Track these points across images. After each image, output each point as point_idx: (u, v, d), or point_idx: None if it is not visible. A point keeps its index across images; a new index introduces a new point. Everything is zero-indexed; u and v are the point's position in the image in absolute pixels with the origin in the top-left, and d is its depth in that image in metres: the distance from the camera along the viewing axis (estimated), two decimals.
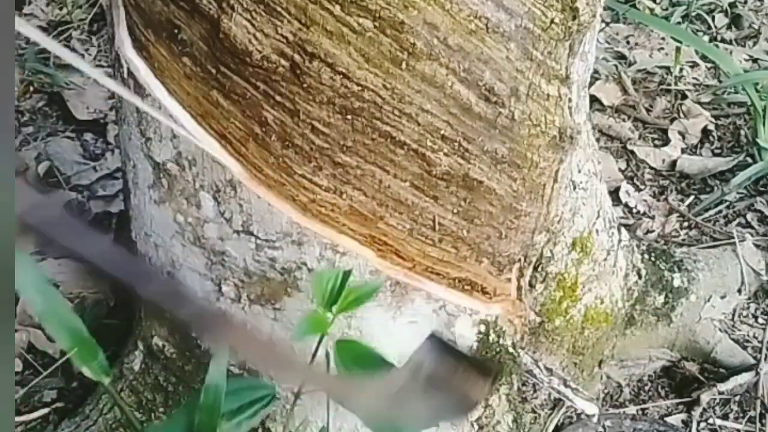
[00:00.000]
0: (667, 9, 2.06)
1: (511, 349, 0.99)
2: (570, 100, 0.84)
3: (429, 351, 0.70)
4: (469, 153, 0.78)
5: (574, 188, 1.02)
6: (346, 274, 0.70)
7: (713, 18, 2.05)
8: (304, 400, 0.75)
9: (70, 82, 1.75)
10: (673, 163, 1.65)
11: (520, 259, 0.95)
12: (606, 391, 1.23)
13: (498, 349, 0.97)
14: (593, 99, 1.72)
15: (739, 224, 1.50)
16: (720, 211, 1.53)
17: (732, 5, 2.07)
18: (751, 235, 1.45)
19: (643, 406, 1.22)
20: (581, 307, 1.09)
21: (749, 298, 1.34)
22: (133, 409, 1.02)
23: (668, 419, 1.20)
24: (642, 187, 1.61)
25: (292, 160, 0.76)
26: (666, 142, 1.70)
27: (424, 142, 0.76)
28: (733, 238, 1.39)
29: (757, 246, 1.39)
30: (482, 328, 0.93)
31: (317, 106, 0.73)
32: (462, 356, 0.73)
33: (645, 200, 1.58)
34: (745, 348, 1.27)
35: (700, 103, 1.78)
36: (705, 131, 1.72)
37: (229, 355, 0.91)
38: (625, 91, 1.81)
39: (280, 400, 0.93)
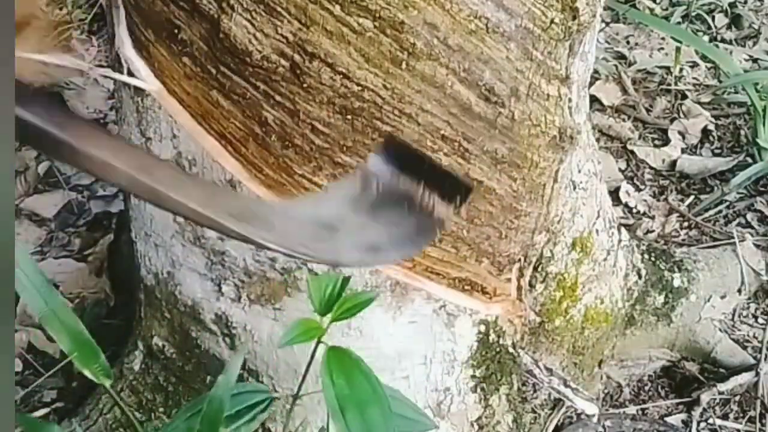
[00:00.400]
0: (667, 9, 2.06)
1: (511, 349, 0.99)
2: (570, 100, 0.84)
3: (383, 161, 0.51)
4: (469, 153, 0.78)
5: (574, 188, 1.02)
6: (345, 280, 0.69)
7: (713, 18, 2.05)
8: (304, 400, 0.75)
9: (70, 82, 1.75)
10: (673, 163, 1.65)
11: (520, 259, 0.95)
12: (606, 391, 1.23)
13: (498, 349, 0.97)
14: (593, 99, 1.72)
15: (739, 224, 1.50)
16: (720, 211, 1.53)
17: (732, 5, 2.07)
18: (751, 235, 1.45)
19: (643, 406, 1.22)
20: (581, 307, 1.09)
21: (749, 298, 1.34)
22: (133, 410, 1.02)
23: (668, 419, 1.19)
24: (642, 187, 1.61)
25: (292, 160, 0.76)
26: (666, 142, 1.70)
27: (424, 142, 0.76)
28: (733, 238, 1.39)
29: (757, 246, 1.39)
30: (482, 328, 0.93)
31: (317, 106, 0.73)
32: (424, 165, 0.52)
33: (645, 200, 1.58)
34: (745, 348, 1.27)
35: (700, 103, 1.78)
36: (705, 131, 1.72)
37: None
38: (625, 91, 1.81)
39: (280, 399, 0.93)
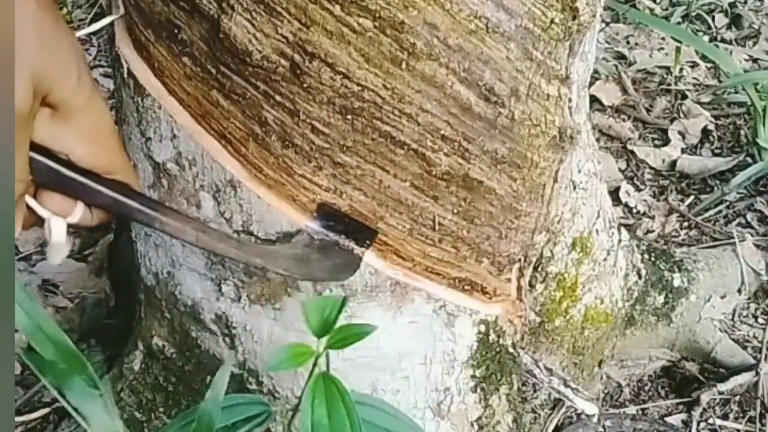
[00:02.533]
0: (667, 9, 2.06)
1: (511, 349, 0.99)
2: (570, 100, 0.84)
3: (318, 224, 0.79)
4: (469, 153, 0.78)
5: (574, 188, 1.02)
6: (343, 302, 0.70)
7: (713, 18, 2.05)
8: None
9: None
10: (673, 163, 1.65)
11: (520, 259, 0.95)
12: (606, 391, 1.23)
13: (498, 349, 0.97)
14: (593, 99, 1.72)
15: (739, 224, 1.51)
16: (720, 211, 1.53)
17: (732, 5, 2.07)
18: (751, 235, 1.45)
19: (643, 406, 1.22)
20: (581, 307, 1.09)
21: (749, 298, 1.34)
22: (133, 410, 1.02)
23: (668, 419, 1.20)
24: (642, 187, 1.61)
25: (292, 160, 0.76)
26: (666, 142, 1.70)
27: (424, 142, 0.76)
28: (733, 238, 1.39)
29: (757, 246, 1.39)
30: (482, 328, 0.93)
31: (317, 106, 0.73)
32: (344, 223, 0.79)
33: (645, 200, 1.58)
34: (745, 348, 1.27)
35: (700, 103, 1.78)
36: (705, 131, 1.73)
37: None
38: (625, 91, 1.81)
39: (280, 399, 0.93)
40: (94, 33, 1.94)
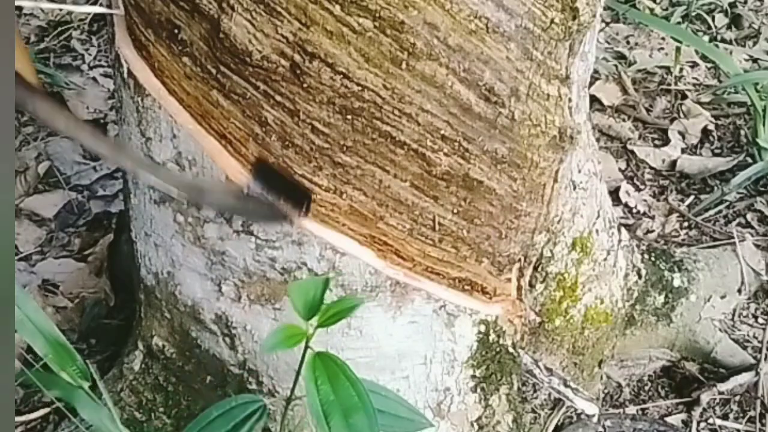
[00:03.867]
0: (667, 9, 2.06)
1: (511, 349, 0.99)
2: (570, 100, 0.84)
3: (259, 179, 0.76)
4: (469, 153, 0.78)
5: (574, 188, 1.02)
6: (326, 282, 0.69)
7: (713, 18, 2.05)
8: (301, 400, 0.75)
9: (70, 82, 1.75)
10: (673, 163, 1.65)
11: (520, 259, 0.95)
12: (606, 391, 1.23)
13: (498, 349, 0.97)
14: (593, 99, 1.72)
15: (739, 224, 1.50)
16: (720, 211, 1.53)
17: (732, 5, 2.07)
18: (751, 235, 1.45)
19: (643, 406, 1.22)
20: (581, 307, 1.09)
21: (749, 298, 1.34)
22: (133, 410, 1.02)
23: (668, 419, 1.20)
24: (642, 187, 1.61)
25: (292, 160, 0.76)
26: (666, 142, 1.70)
27: (424, 142, 0.76)
28: (733, 238, 1.39)
29: (757, 246, 1.39)
30: (482, 328, 0.93)
31: (317, 106, 0.73)
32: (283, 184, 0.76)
33: (645, 200, 1.58)
34: (745, 348, 1.27)
35: (700, 103, 1.78)
36: (705, 131, 1.72)
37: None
38: (625, 91, 1.81)
39: (280, 400, 0.93)
40: (94, 33, 1.93)
